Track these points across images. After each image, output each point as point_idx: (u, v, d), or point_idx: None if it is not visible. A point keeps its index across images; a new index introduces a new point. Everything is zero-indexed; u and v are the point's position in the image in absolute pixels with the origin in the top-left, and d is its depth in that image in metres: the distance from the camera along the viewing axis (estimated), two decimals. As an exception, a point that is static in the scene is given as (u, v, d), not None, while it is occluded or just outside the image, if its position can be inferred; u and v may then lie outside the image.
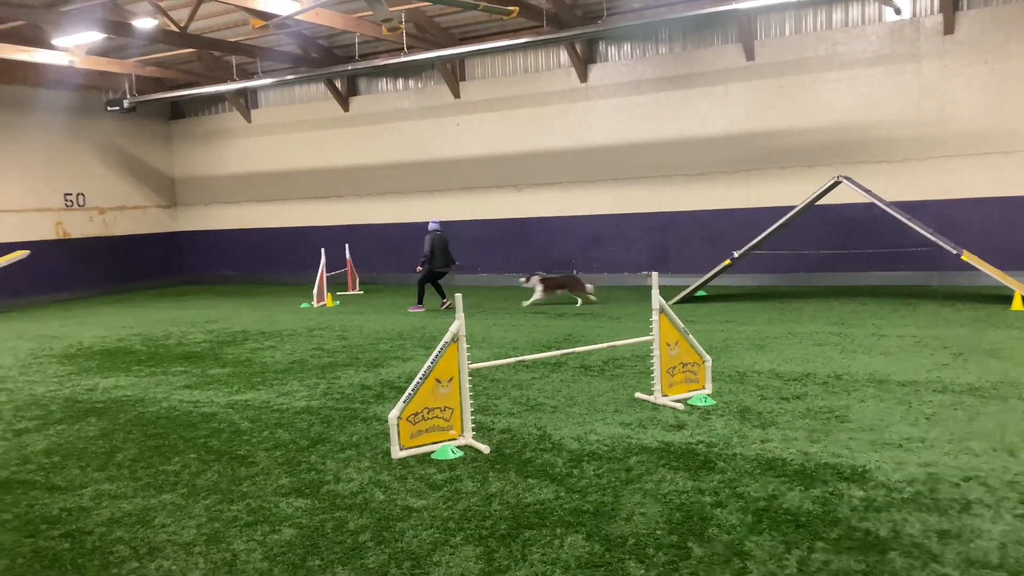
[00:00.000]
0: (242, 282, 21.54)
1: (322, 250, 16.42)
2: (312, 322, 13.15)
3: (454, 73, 17.85)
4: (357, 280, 17.69)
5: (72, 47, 16.16)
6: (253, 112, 20.88)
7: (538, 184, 17.36)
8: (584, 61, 16.45)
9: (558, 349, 9.34)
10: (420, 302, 14.21)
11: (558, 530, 4.28)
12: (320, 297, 15.61)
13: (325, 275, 15.83)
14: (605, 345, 6.92)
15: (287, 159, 20.50)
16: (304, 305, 15.56)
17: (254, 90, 20.52)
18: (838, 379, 7.46)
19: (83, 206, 20.14)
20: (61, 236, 19.63)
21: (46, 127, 19.13)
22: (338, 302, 15.81)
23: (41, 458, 6.11)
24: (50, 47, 16.15)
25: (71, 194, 19.90)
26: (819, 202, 12.48)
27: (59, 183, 19.61)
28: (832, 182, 11.92)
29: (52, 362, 10.50)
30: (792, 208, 12.53)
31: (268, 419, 6.93)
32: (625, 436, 5.93)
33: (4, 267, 16.80)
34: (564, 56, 16.74)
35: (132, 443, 6.40)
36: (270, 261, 21.18)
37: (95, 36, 14.98)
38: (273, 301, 16.71)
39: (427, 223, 14.86)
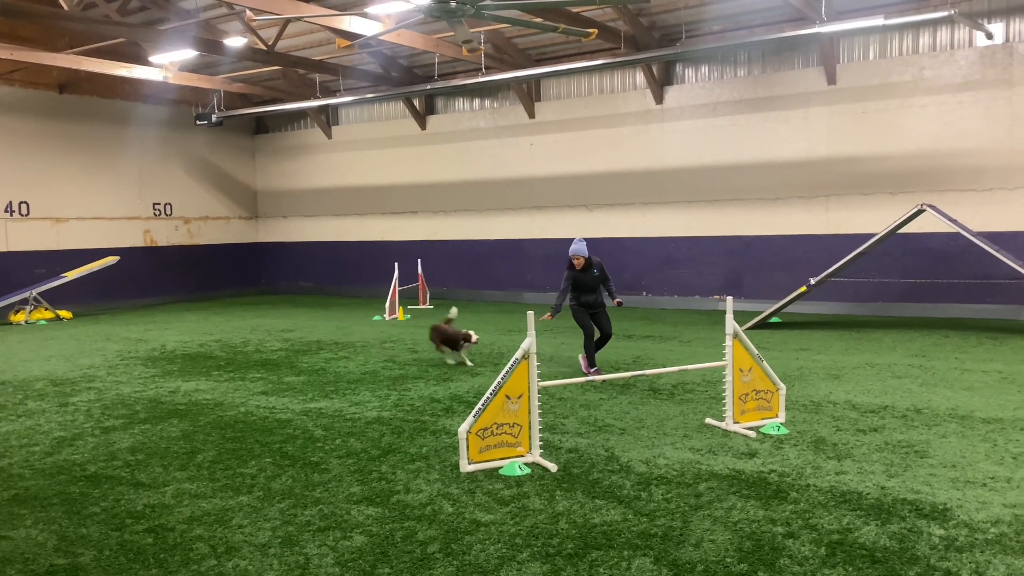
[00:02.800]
0: (317, 293, 22.08)
1: (395, 264, 16.72)
2: (384, 334, 13.39)
3: (530, 94, 18.02)
4: (428, 295, 17.94)
5: (167, 64, 16.95)
6: (334, 128, 21.47)
7: (610, 204, 17.34)
8: (660, 83, 16.41)
9: (627, 371, 9.29)
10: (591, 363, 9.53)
11: (625, 552, 4.26)
12: (392, 310, 15.88)
13: (398, 289, 16.11)
14: (676, 369, 6.86)
15: (365, 175, 20.99)
16: (376, 318, 15.86)
17: (335, 107, 21.11)
18: (918, 413, 7.22)
19: (170, 215, 21.01)
20: (149, 244, 20.51)
21: (139, 139, 20.08)
22: (409, 316, 16.05)
23: (127, 455, 6.38)
24: (147, 63, 16.98)
25: (159, 204, 20.80)
26: (901, 230, 12.12)
27: (148, 193, 20.52)
28: (915, 210, 11.58)
29: (138, 364, 10.95)
30: (873, 236, 12.20)
31: (340, 428, 7.09)
32: (695, 461, 5.85)
33: (95, 271, 17.65)
34: (640, 78, 16.73)
35: (211, 445, 6.63)
36: (345, 274, 21.66)
37: (188, 53, 15.70)
38: (347, 313, 17.08)
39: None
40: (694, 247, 16.44)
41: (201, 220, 21.83)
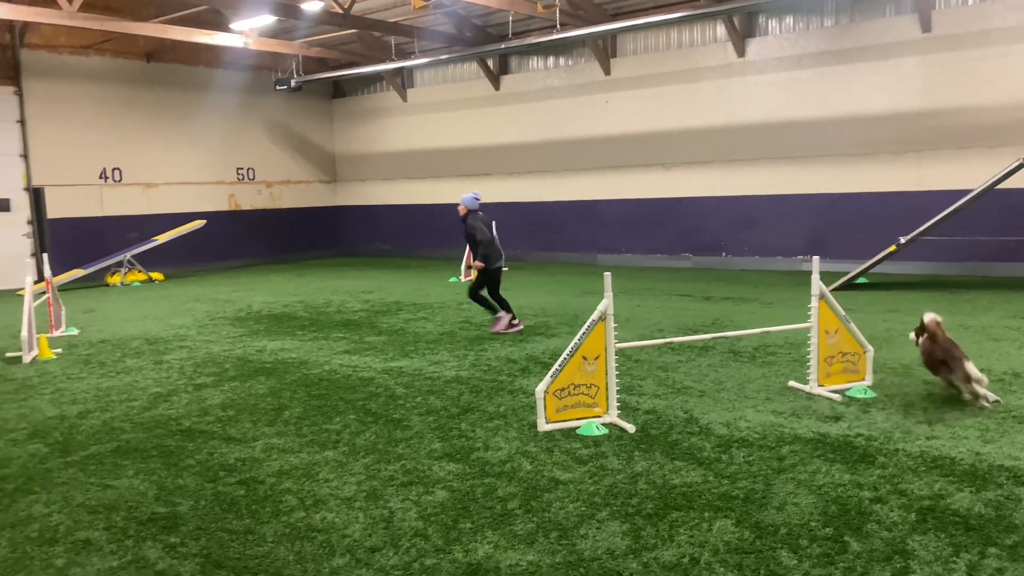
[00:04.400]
0: (394, 255, 22.41)
1: (470, 226, 16.76)
2: (460, 296, 13.51)
3: (605, 50, 17.67)
4: (503, 256, 17.97)
5: (247, 30, 17.25)
6: (409, 91, 21.56)
7: (688, 163, 16.96)
8: (742, 35, 15.85)
9: (705, 333, 9.16)
10: (504, 309, 9.90)
11: (706, 513, 4.23)
12: (467, 272, 15.99)
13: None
14: (759, 331, 6.71)
15: (439, 137, 21.07)
16: (453, 279, 16.01)
17: (410, 69, 21.16)
18: (1016, 377, 6.89)
19: (253, 180, 21.58)
20: (233, 208, 21.13)
21: (222, 105, 20.59)
22: (484, 277, 16.13)
23: (218, 411, 6.65)
24: (228, 30, 17.32)
25: (242, 168, 21.35)
26: (1000, 186, 11.49)
27: (232, 158, 21.09)
28: (1017, 164, 10.94)
29: (225, 324, 11.36)
30: (968, 192, 11.61)
31: (421, 386, 7.22)
32: (777, 424, 5.74)
33: (183, 235, 18.31)
34: (721, 30, 16.19)
35: (297, 402, 6.85)
36: (421, 236, 21.90)
37: (267, 19, 15.93)
38: (423, 274, 17.30)
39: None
40: (776, 206, 15.96)
41: (283, 184, 22.34)
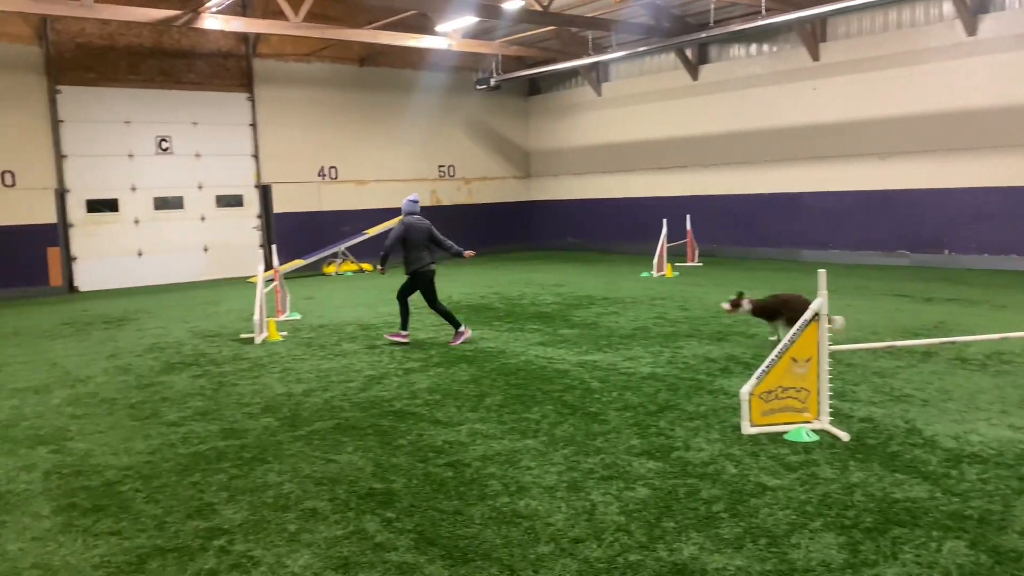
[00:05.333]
0: (585, 250, 22.53)
1: (663, 221, 16.52)
2: (652, 291, 13.34)
3: (814, 34, 16.72)
4: (696, 252, 17.56)
5: (450, 32, 17.99)
6: (604, 85, 21.56)
7: (906, 152, 15.67)
8: (974, 11, 14.40)
9: (927, 337, 8.43)
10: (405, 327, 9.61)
11: (934, 532, 3.89)
12: (660, 267, 15.76)
13: (666, 246, 15.93)
14: (996, 336, 6.09)
15: (633, 131, 20.90)
16: (644, 274, 15.84)
17: (606, 63, 21.13)
18: None
19: (453, 177, 22.51)
20: (435, 203, 22.15)
21: (425, 106, 21.63)
22: (677, 273, 15.83)
23: (425, 395, 7.00)
24: (433, 33, 18.15)
25: (444, 166, 22.34)
26: None
27: (434, 156, 22.12)
28: None
29: (429, 312, 11.89)
30: None
31: (616, 381, 7.20)
32: (1017, 441, 5.18)
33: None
34: (948, 7, 14.81)
35: (497, 390, 7.05)
36: (612, 230, 21.85)
37: (470, 20, 16.53)
38: (614, 269, 17.26)
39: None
40: (1010, 199, 14.37)
41: (480, 180, 23.13)
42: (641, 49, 17.60)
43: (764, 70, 17.86)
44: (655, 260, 15.87)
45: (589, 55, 19.09)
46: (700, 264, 17.27)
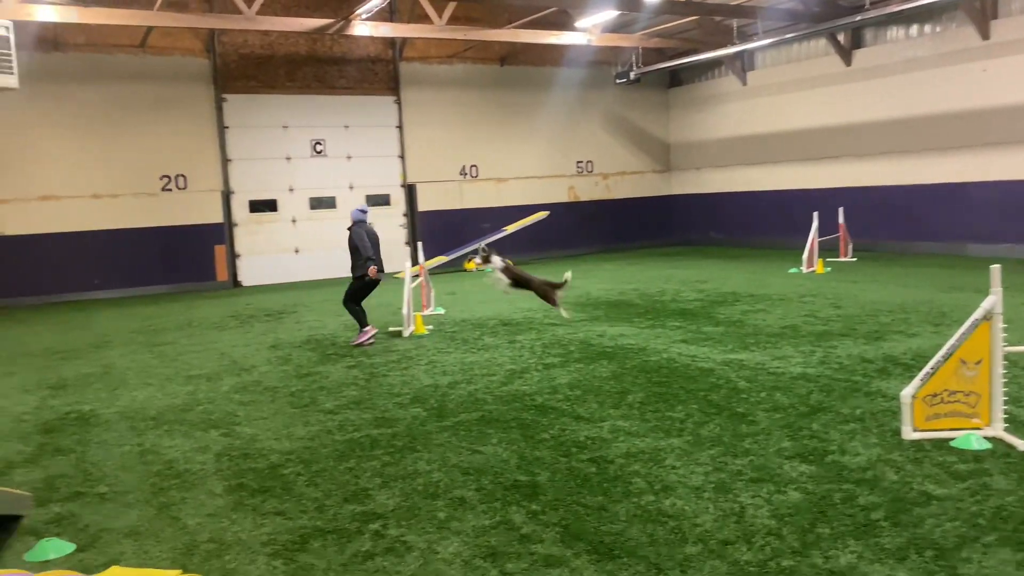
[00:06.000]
0: (728, 245, 21.89)
1: (814, 214, 15.78)
2: (802, 288, 12.80)
3: (983, 11, 15.46)
4: (850, 246, 16.68)
5: (590, 27, 17.94)
6: (748, 74, 20.85)
7: (1092, 137, 14.23)
8: None
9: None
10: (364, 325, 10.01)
11: None
12: (810, 263, 15.09)
13: (817, 240, 15.22)
14: None
15: (779, 120, 20.09)
16: (793, 270, 15.21)
17: (751, 52, 20.42)
18: None
19: (591, 172, 22.46)
20: (572, 199, 22.20)
21: (563, 102, 21.68)
22: (829, 269, 15.10)
23: (566, 390, 7.04)
24: (572, 30, 18.16)
25: (581, 161, 22.33)
26: None
27: (572, 152, 22.15)
28: None
29: (567, 308, 11.96)
30: None
31: (764, 381, 6.97)
32: None
33: (528, 225, 19.63)
34: None
35: (639, 387, 6.99)
36: (757, 224, 21.12)
37: (610, 15, 16.42)
38: (760, 265, 16.68)
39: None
40: None
41: (618, 175, 22.96)
42: (789, 36, 16.89)
43: (926, 52, 16.70)
44: (805, 255, 15.20)
45: (734, 44, 18.52)
46: (854, 259, 16.39)
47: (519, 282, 9.72)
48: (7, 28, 12.19)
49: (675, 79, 23.33)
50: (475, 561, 3.82)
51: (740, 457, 5.07)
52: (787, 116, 19.90)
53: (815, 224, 15.33)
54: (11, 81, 12.34)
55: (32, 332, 12.41)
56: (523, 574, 3.67)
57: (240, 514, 4.59)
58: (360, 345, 9.76)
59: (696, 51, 19.65)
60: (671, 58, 20.60)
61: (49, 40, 15.99)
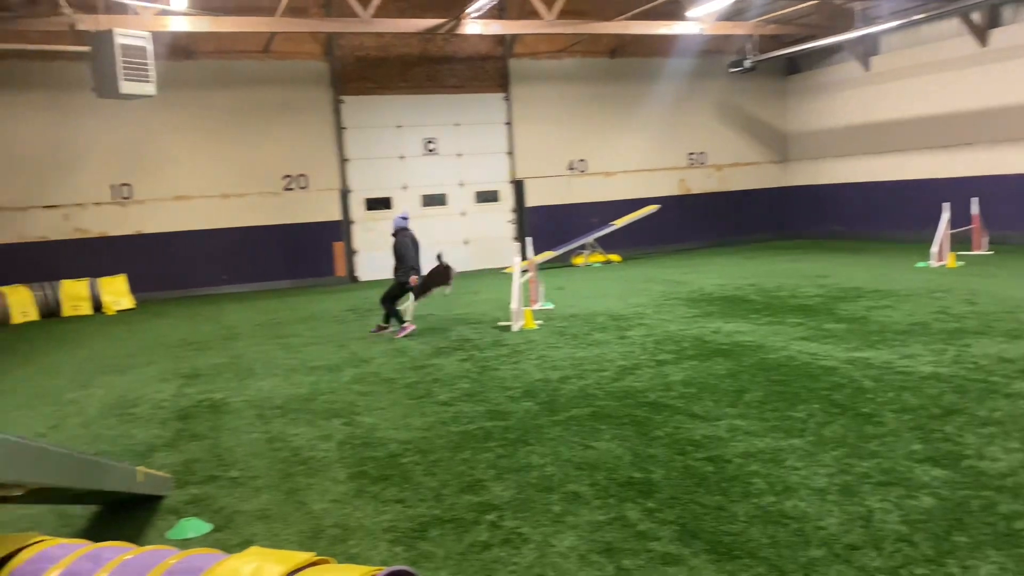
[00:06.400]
0: (849, 238, 20.95)
1: (944, 205, 14.89)
2: (931, 283, 12.11)
3: None
4: (985, 239, 15.64)
5: (702, 15, 17.53)
6: (872, 59, 19.86)
7: None
8: None
9: None
10: (401, 320, 10.83)
11: None
12: (940, 256, 14.24)
13: (948, 232, 14.35)
14: None
15: (905, 107, 19.05)
16: (921, 264, 14.40)
17: (875, 36, 19.44)
18: None
19: (703, 164, 21.97)
20: (683, 192, 21.78)
21: (674, 93, 21.27)
22: (961, 263, 14.21)
23: (680, 387, 6.92)
24: (683, 19, 17.79)
25: (693, 153, 21.87)
26: None
27: (683, 143, 21.72)
28: None
29: (679, 304, 11.78)
30: None
31: (892, 380, 6.64)
32: None
33: (638, 219, 19.41)
34: None
35: (757, 386, 6.80)
36: (880, 216, 20.11)
37: (724, 2, 15.98)
38: (884, 259, 15.89)
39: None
40: None
41: (732, 167, 22.36)
42: (917, 17, 15.98)
43: (1073, 28, 15.45)
44: (934, 248, 14.36)
45: (856, 28, 17.68)
46: (990, 252, 15.37)
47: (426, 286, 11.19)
48: (145, 39, 13.05)
49: (792, 66, 22.49)
50: (591, 556, 3.81)
51: (866, 459, 4.85)
52: (914, 102, 18.84)
53: (945, 215, 14.45)
54: (149, 89, 13.20)
55: (168, 324, 13.25)
56: (640, 571, 3.64)
57: (362, 501, 4.75)
58: (401, 336, 10.47)
59: (815, 36, 18.87)
60: (788, 44, 19.86)
61: (182, 49, 16.98)
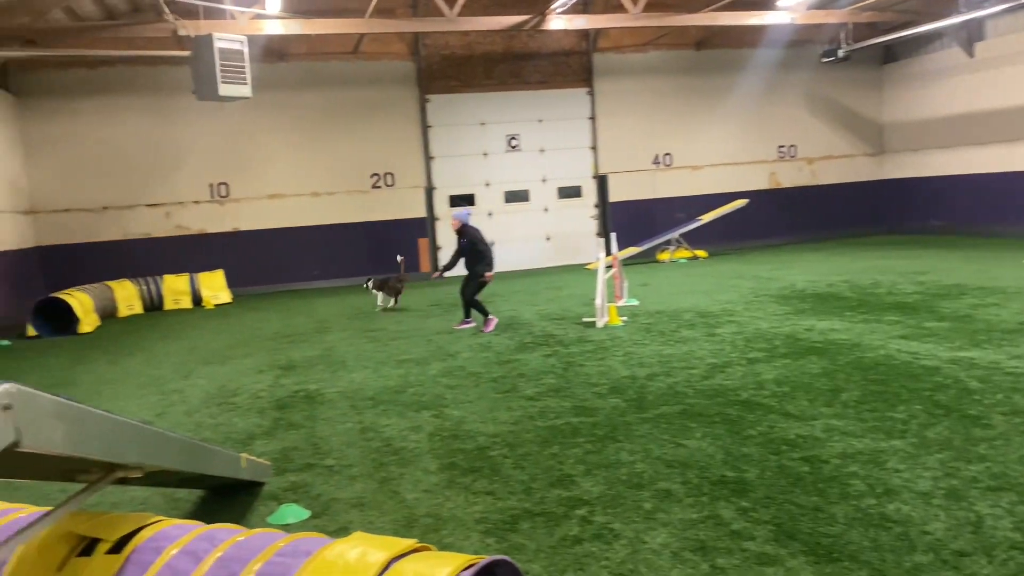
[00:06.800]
0: (950, 233, 20.02)
1: (1057, 197, 14.08)
2: (1042, 280, 11.47)
3: None
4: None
5: (793, 4, 17.04)
6: (977, 45, 18.90)
7: None
8: None
9: None
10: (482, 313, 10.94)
11: None
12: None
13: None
14: None
15: (1014, 95, 18.04)
16: (1029, 260, 13.67)
17: (980, 21, 18.49)
18: None
19: (794, 157, 21.37)
20: (773, 186, 21.23)
21: (763, 84, 20.75)
22: (1075, 258, 13.42)
23: (772, 386, 6.76)
24: (774, 8, 17.33)
25: (783, 146, 21.29)
26: None
27: (773, 136, 21.17)
28: None
29: (769, 301, 11.49)
30: None
31: (1000, 382, 6.32)
32: None
33: (725, 214, 19.02)
34: None
35: (854, 385, 6.58)
36: (983, 210, 19.13)
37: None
38: (989, 254, 15.13)
39: None
40: None
41: (824, 159, 21.67)
42: (1027, -2, 15.13)
43: None
44: None
45: (959, 12, 16.85)
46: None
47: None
48: (242, 43, 13.54)
49: (889, 54, 21.62)
50: (684, 554, 3.77)
51: (974, 463, 4.63)
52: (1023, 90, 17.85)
53: (1058, 208, 13.66)
54: (245, 91, 13.69)
55: (263, 318, 13.73)
56: (736, 570, 3.58)
57: (453, 491, 4.83)
58: (483, 331, 10.60)
59: (914, 23, 18.09)
60: (885, 32, 19.12)
61: (275, 51, 17.55)
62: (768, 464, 4.89)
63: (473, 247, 10.72)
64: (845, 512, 4.10)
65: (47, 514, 2.57)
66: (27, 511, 3.06)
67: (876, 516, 4.02)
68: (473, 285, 10.85)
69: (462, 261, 10.87)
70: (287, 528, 4.34)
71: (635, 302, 12.25)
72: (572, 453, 5.39)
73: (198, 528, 2.75)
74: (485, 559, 2.36)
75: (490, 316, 10.83)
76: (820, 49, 20.01)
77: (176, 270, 16.65)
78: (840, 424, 5.57)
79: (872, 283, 12.47)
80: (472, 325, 10.98)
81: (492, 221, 19.59)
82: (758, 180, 21.07)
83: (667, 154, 20.47)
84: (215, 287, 16.50)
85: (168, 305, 15.92)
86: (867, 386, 6.50)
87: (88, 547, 2.65)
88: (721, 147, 20.76)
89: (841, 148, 21.82)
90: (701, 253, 18.97)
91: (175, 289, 16.08)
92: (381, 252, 18.80)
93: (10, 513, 3.06)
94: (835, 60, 19.17)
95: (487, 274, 10.71)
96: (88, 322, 13.44)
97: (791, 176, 21.39)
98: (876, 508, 4.12)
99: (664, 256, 18.91)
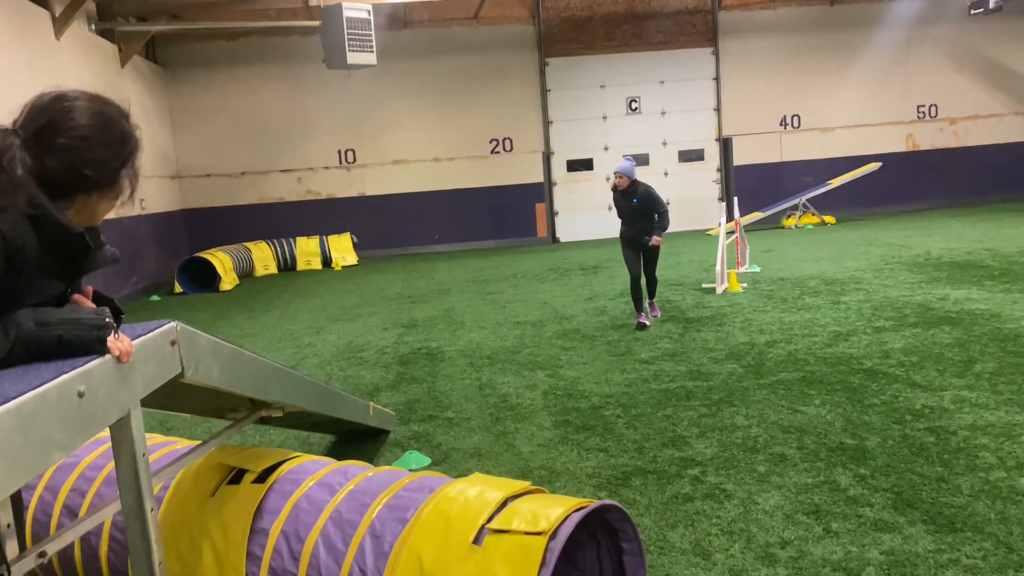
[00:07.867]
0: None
1: None
2: None
3: None
4: None
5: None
6: None
7: None
8: None
9: None
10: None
11: None
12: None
13: None
14: None
15: None
16: None
17: None
18: None
19: (935, 117, 20.08)
20: (911, 148, 20.05)
21: (900, 40, 19.54)
22: None
23: (899, 356, 6.51)
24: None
25: (923, 106, 20.04)
26: None
27: (912, 95, 19.94)
28: None
29: (901, 269, 10.97)
30: None
31: None
32: None
33: (856, 178, 18.15)
34: None
35: (989, 356, 6.25)
36: None
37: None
38: None
39: None
40: None
41: (969, 120, 20.24)
42: None
43: None
44: None
45: None
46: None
47: None
48: (368, 11, 13.95)
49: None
50: (797, 516, 3.77)
51: (1122, 441, 4.36)
52: None
53: None
54: (371, 59, 14.15)
55: (387, 280, 14.28)
56: (850, 534, 3.55)
57: (566, 447, 4.97)
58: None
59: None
60: (1044, -21, 17.56)
61: (399, 19, 17.96)
62: (890, 433, 4.76)
63: (655, 205, 8.28)
64: (971, 483, 3.97)
65: (200, 446, 2.87)
66: (182, 444, 3.41)
67: (1006, 489, 3.87)
68: (656, 255, 8.62)
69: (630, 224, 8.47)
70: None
71: (757, 268, 11.97)
72: (686, 416, 5.41)
73: (333, 464, 3.00)
74: (596, 503, 2.47)
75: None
76: (969, 0, 18.59)
77: (307, 233, 17.52)
78: (971, 396, 5.33)
79: (1019, 250, 11.67)
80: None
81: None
82: (894, 142, 19.95)
83: (795, 116, 19.68)
84: (343, 249, 17.27)
85: (300, 266, 16.80)
86: (1004, 358, 6.17)
87: (236, 476, 2.94)
88: (854, 108, 19.75)
89: (989, 107, 20.31)
90: (829, 219, 18.23)
91: (307, 251, 16.94)
92: (499, 217, 19.09)
93: (169, 445, 3.42)
94: (986, 11, 17.79)
95: (656, 237, 8.29)
96: (228, 280, 14.40)
97: (931, 138, 20.12)
98: (1006, 481, 3.96)
99: (790, 222, 18.29)
